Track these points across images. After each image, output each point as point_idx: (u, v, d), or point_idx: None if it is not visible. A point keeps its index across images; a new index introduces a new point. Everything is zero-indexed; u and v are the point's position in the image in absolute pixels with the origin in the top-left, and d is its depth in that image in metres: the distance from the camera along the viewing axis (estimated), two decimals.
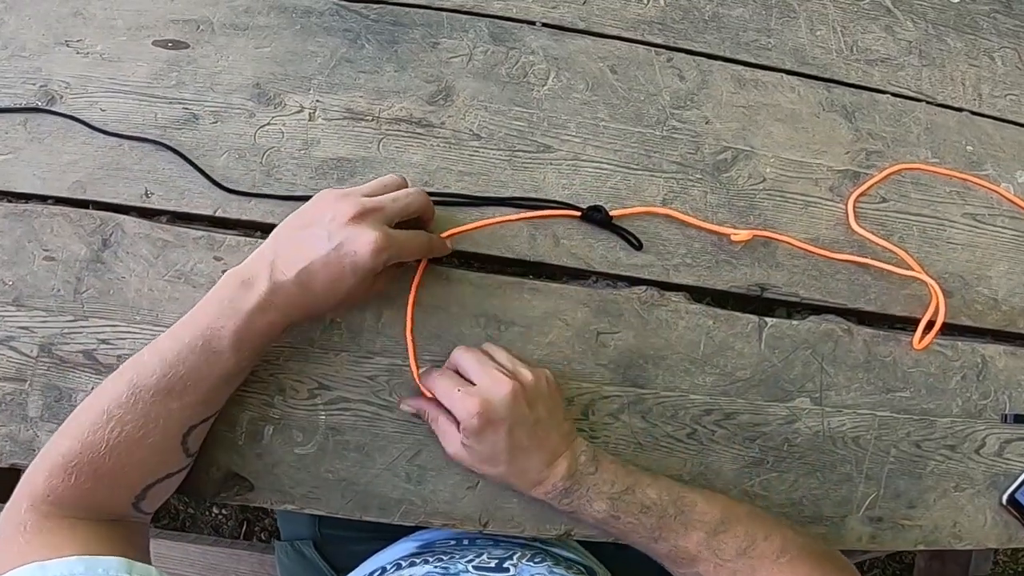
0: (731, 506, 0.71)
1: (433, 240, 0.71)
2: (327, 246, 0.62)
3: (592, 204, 0.79)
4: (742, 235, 0.79)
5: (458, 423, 0.68)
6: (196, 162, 0.76)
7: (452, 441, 0.70)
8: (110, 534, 0.61)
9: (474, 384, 0.68)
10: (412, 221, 0.71)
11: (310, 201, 0.67)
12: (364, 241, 0.62)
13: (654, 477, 0.71)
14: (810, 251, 0.82)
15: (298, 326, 0.68)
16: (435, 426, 0.71)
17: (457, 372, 0.71)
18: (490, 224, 0.77)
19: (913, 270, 0.81)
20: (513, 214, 0.78)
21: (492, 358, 0.71)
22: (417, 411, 0.72)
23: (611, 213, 0.79)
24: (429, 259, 0.75)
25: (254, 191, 0.76)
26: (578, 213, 0.79)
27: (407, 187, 0.71)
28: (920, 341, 0.80)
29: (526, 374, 0.69)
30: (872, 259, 0.82)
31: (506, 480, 0.70)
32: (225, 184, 0.75)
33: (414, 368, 0.73)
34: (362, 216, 0.63)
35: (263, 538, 1.57)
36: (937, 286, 0.80)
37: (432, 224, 0.75)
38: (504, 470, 0.69)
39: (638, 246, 0.79)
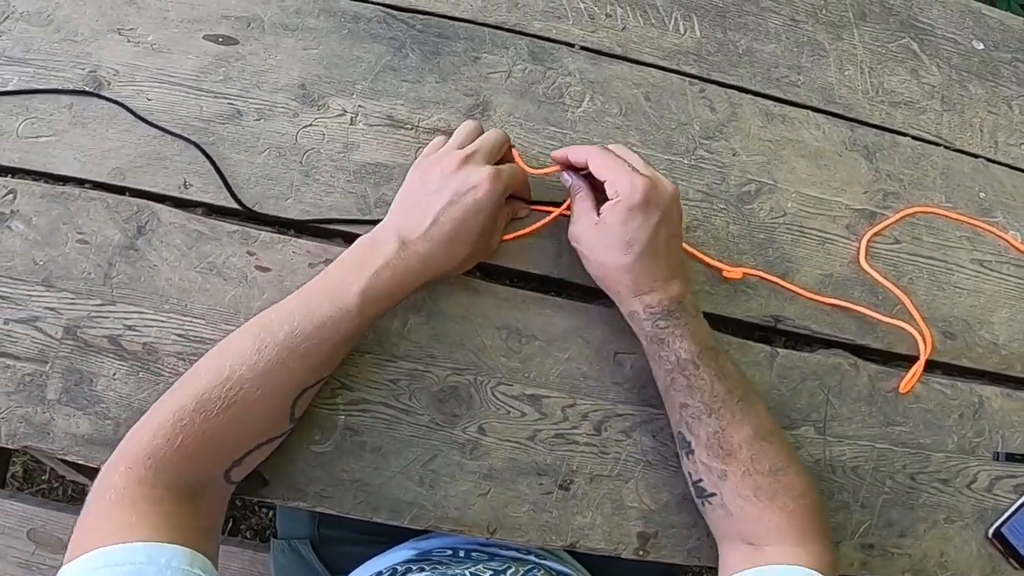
0: (780, 427, 0.63)
1: (525, 170, 0.66)
2: (447, 196, 0.58)
3: None
4: (734, 272, 0.70)
5: (598, 203, 0.61)
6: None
7: (585, 221, 0.61)
8: (188, 518, 0.52)
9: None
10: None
11: (409, 174, 0.63)
12: (478, 177, 0.59)
13: (735, 362, 0.63)
14: (795, 292, 0.72)
15: (432, 283, 0.61)
16: (577, 201, 0.63)
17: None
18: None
19: (907, 314, 0.73)
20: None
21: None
22: (569, 179, 0.65)
23: None
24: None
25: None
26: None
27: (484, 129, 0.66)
28: (905, 385, 0.72)
29: (669, 182, 0.61)
30: (859, 304, 0.73)
31: (617, 276, 0.61)
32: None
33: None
34: (466, 161, 0.60)
35: (248, 536, 1.43)
36: (917, 334, 0.72)
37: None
38: (631, 261, 0.59)
39: None
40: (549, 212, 0.68)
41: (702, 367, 0.59)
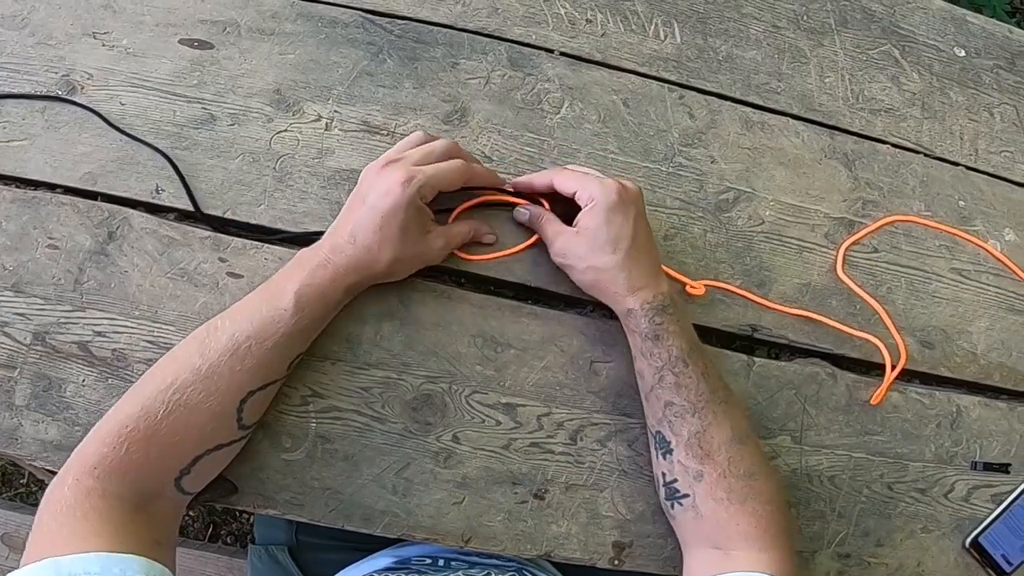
0: (752, 432, 0.64)
1: (473, 166, 0.65)
2: (366, 202, 0.60)
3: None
4: (698, 288, 0.70)
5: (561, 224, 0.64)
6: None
7: (564, 236, 0.63)
8: (140, 527, 0.52)
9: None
10: None
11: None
12: (391, 180, 0.59)
13: (711, 363, 0.64)
14: (760, 303, 0.72)
15: (361, 287, 0.62)
16: (541, 222, 0.66)
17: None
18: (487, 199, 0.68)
19: (881, 326, 0.72)
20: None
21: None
22: (524, 213, 0.67)
23: None
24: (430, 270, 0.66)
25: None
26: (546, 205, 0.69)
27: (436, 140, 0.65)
28: (876, 397, 0.72)
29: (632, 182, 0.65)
30: (829, 316, 0.72)
31: (612, 276, 0.62)
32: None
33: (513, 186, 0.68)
34: (387, 165, 0.61)
35: (229, 541, 1.42)
36: (883, 347, 0.72)
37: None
38: (622, 257, 0.61)
39: None
40: (541, 203, 0.68)
41: (691, 364, 0.61)
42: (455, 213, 0.67)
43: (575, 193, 0.62)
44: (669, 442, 0.62)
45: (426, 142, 0.64)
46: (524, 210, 0.67)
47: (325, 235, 0.61)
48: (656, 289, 0.62)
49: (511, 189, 0.68)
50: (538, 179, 0.66)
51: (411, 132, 0.69)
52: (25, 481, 1.46)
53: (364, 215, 0.59)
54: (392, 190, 0.58)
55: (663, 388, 0.61)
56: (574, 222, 0.63)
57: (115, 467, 0.51)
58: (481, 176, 0.66)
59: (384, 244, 0.59)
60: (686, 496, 0.61)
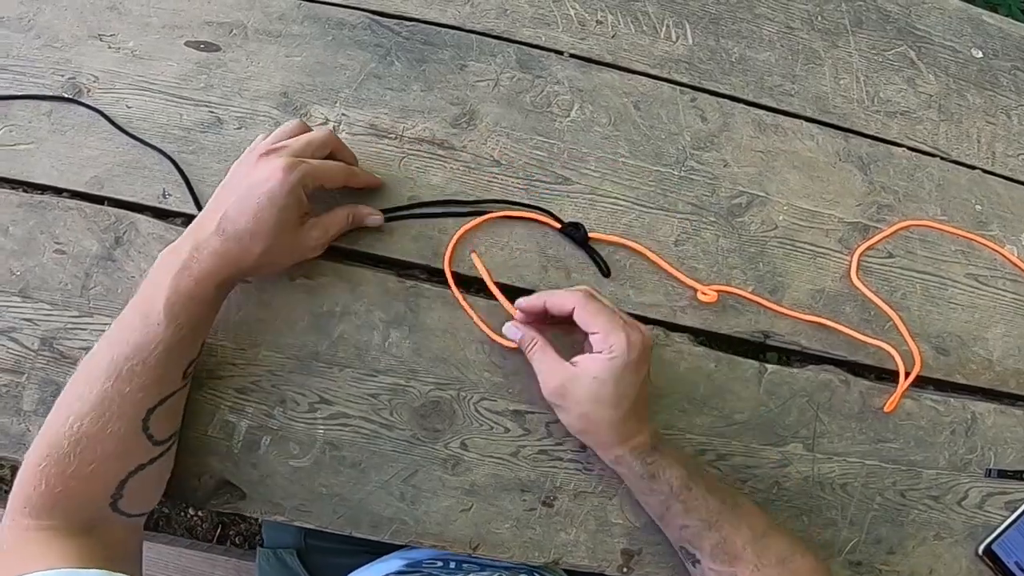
0: (772, 519, 0.62)
1: (353, 169, 0.62)
2: (239, 191, 0.56)
3: (573, 220, 0.68)
4: (710, 295, 0.68)
5: (559, 357, 0.59)
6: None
7: (563, 374, 0.58)
8: (93, 545, 0.51)
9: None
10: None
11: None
12: (272, 167, 0.56)
13: (708, 472, 0.63)
14: (772, 309, 0.70)
15: (233, 282, 0.58)
16: (534, 351, 0.61)
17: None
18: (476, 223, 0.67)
19: (896, 332, 0.71)
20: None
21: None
22: (515, 332, 0.62)
23: (589, 235, 0.68)
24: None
25: None
26: (559, 225, 0.68)
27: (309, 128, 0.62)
28: (889, 404, 0.71)
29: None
30: (841, 323, 0.71)
31: (603, 429, 0.59)
32: None
33: (506, 304, 0.64)
34: (267, 154, 0.57)
35: (237, 543, 1.41)
36: (897, 354, 0.71)
37: (355, 165, 0.65)
38: (619, 416, 0.58)
39: (606, 272, 0.68)
40: (535, 219, 0.67)
41: (695, 488, 0.59)
42: (469, 226, 0.66)
43: (595, 333, 0.57)
44: (694, 554, 0.61)
45: (303, 132, 0.61)
46: (516, 329, 0.62)
47: (187, 231, 0.57)
48: (646, 434, 0.60)
49: (526, 309, 0.62)
50: (554, 302, 0.59)
51: (419, 135, 0.69)
52: None
53: (238, 203, 0.55)
54: (274, 175, 0.55)
55: (673, 515, 0.60)
56: (574, 359, 0.59)
57: (43, 504, 0.51)
58: (364, 180, 0.64)
59: (257, 234, 0.55)
60: None
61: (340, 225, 0.63)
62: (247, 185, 0.56)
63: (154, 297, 0.53)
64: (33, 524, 0.51)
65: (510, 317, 0.64)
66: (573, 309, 0.58)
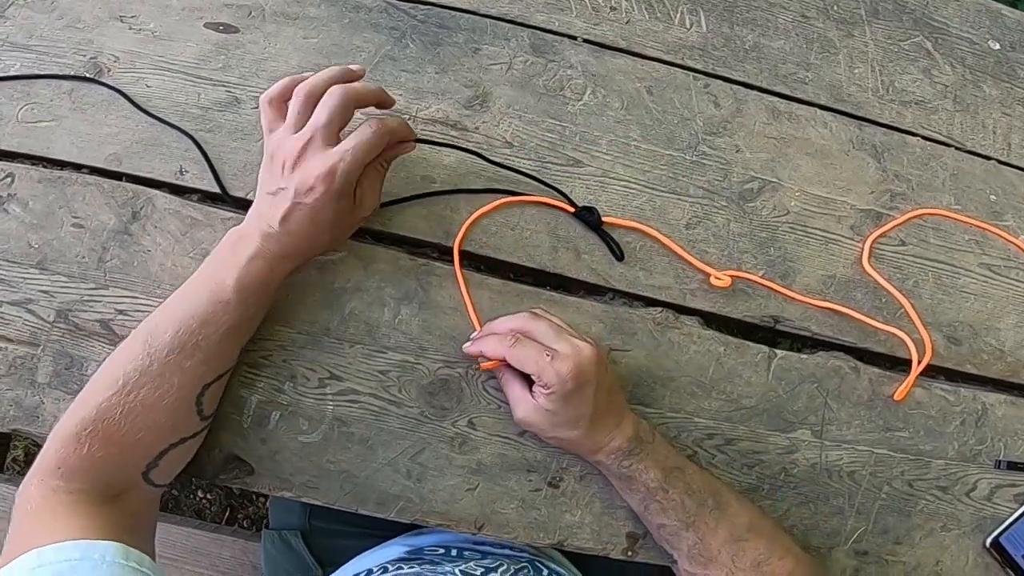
0: (758, 516, 0.63)
1: (385, 125, 0.58)
2: (290, 197, 0.55)
3: (586, 204, 0.68)
4: (723, 280, 0.68)
5: (530, 387, 0.60)
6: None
7: (525, 406, 0.60)
8: (111, 516, 0.52)
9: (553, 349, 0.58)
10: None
11: (265, 158, 0.58)
12: (312, 174, 0.54)
13: (698, 466, 0.64)
14: (783, 294, 0.70)
15: (301, 268, 0.60)
16: (507, 388, 0.62)
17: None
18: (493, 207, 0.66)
19: (907, 320, 0.70)
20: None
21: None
22: (490, 369, 0.63)
23: (603, 219, 0.68)
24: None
25: None
26: (571, 209, 0.68)
27: (321, 82, 0.57)
28: (900, 392, 0.70)
29: (585, 343, 0.59)
30: (854, 309, 0.70)
31: (576, 443, 0.61)
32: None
33: (478, 325, 0.64)
34: (302, 153, 0.55)
35: (245, 526, 1.41)
36: (910, 341, 0.70)
37: (386, 104, 0.61)
38: (580, 433, 0.60)
39: (619, 256, 0.68)
40: (544, 201, 0.67)
41: (671, 490, 0.61)
42: (482, 211, 0.66)
43: (525, 371, 0.59)
44: (671, 555, 0.63)
45: (313, 98, 0.57)
46: (483, 365, 0.62)
47: (252, 217, 0.58)
48: (621, 438, 0.61)
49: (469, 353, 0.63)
50: (489, 349, 0.60)
51: (432, 116, 0.69)
52: None
53: (294, 210, 0.55)
54: (316, 187, 0.54)
55: (651, 514, 0.62)
56: (532, 390, 0.60)
57: (77, 466, 0.52)
58: (397, 130, 0.59)
59: (321, 230, 0.57)
60: None
61: (381, 178, 0.62)
62: (295, 190, 0.55)
63: (225, 277, 0.54)
64: (63, 487, 0.51)
65: (523, 294, 0.64)
66: (505, 358, 0.59)
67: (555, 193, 0.68)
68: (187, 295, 0.55)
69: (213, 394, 0.57)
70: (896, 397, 0.70)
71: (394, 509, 0.63)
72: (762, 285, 0.70)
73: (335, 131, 0.56)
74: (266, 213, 0.56)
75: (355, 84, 0.58)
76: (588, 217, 0.68)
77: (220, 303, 0.54)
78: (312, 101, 0.56)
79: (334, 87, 0.56)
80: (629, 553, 0.65)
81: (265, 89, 0.61)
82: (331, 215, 0.56)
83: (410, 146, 0.62)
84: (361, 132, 0.56)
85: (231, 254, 0.56)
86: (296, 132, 0.56)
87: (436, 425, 0.64)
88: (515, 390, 0.61)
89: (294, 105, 0.57)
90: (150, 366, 0.52)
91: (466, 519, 0.63)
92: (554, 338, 0.59)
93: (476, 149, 0.67)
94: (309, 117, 0.56)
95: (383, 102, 0.61)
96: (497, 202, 0.67)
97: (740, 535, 0.61)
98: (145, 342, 0.53)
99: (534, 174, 0.68)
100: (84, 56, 0.68)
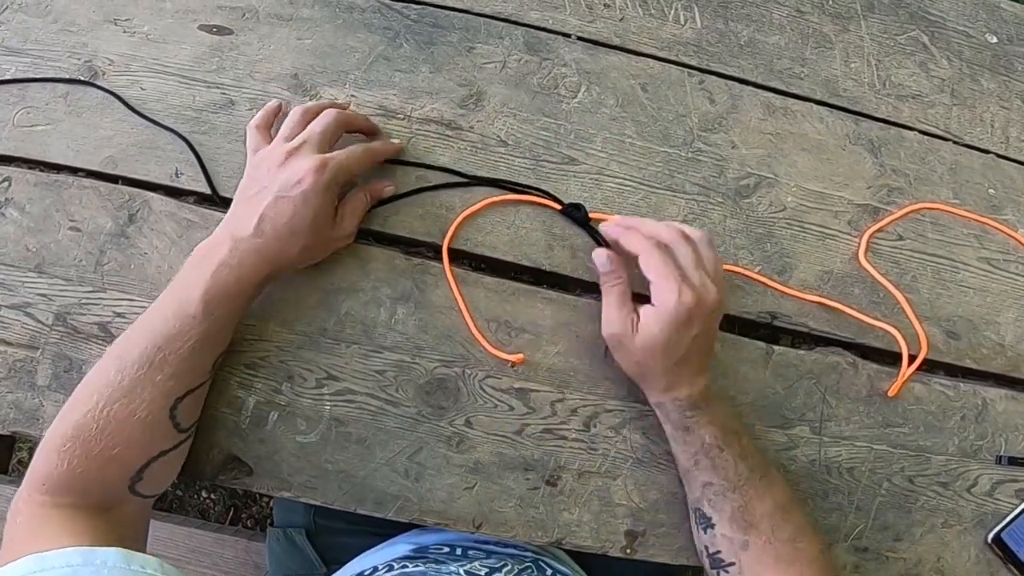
0: (797, 499, 0.63)
1: (373, 146, 0.62)
2: (273, 192, 0.56)
3: (574, 202, 0.68)
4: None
5: (630, 303, 0.59)
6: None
7: (620, 314, 0.59)
8: (107, 524, 0.52)
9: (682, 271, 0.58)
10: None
11: (246, 172, 0.60)
12: (301, 169, 0.57)
13: (753, 438, 0.64)
14: (780, 290, 0.70)
15: (271, 279, 0.59)
16: (610, 291, 0.60)
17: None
18: (482, 207, 0.66)
19: (904, 316, 0.70)
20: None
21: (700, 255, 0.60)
22: (604, 264, 0.61)
23: (590, 215, 0.68)
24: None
25: None
26: (559, 206, 0.68)
27: (316, 105, 0.64)
28: (894, 389, 0.70)
29: (716, 289, 0.58)
30: (847, 304, 0.70)
31: (653, 375, 0.60)
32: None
33: (472, 324, 0.64)
34: (291, 154, 0.58)
35: (248, 526, 1.41)
36: (901, 337, 0.70)
37: (376, 136, 0.67)
38: (669, 365, 0.59)
39: None
40: (536, 201, 0.67)
41: (726, 450, 0.60)
42: (470, 211, 0.66)
43: (651, 282, 0.58)
44: (710, 517, 0.61)
45: (309, 115, 0.62)
46: (607, 261, 0.61)
47: (222, 226, 0.58)
48: (692, 388, 0.60)
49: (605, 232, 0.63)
50: (628, 241, 0.60)
51: (427, 116, 0.69)
52: None
53: (274, 206, 0.56)
54: (306, 178, 0.56)
55: (700, 470, 0.61)
56: (638, 308, 0.59)
57: (61, 483, 0.52)
58: (386, 152, 0.65)
59: (295, 235, 0.57)
60: (732, 564, 0.60)
61: (363, 208, 0.64)
62: (279, 186, 0.56)
63: (191, 290, 0.54)
64: (50, 501, 0.52)
65: (519, 292, 0.64)
66: (639, 255, 0.58)
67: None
68: (157, 310, 0.55)
69: (188, 407, 0.56)
70: (890, 393, 0.69)
71: (392, 509, 0.62)
72: (756, 280, 0.69)
73: (327, 141, 0.59)
74: (240, 217, 0.57)
75: (347, 110, 0.63)
76: (575, 214, 0.67)
77: (187, 317, 0.54)
78: (308, 118, 0.61)
79: (329, 108, 0.61)
80: (628, 551, 0.65)
81: (260, 91, 0.62)
82: (310, 215, 0.56)
83: (391, 188, 0.66)
84: (351, 146, 0.60)
85: (198, 267, 0.55)
86: (288, 142, 0.59)
87: (433, 424, 0.63)
88: (618, 303, 0.60)
89: (290, 118, 0.61)
90: (121, 381, 0.52)
91: (464, 518, 0.63)
92: (692, 267, 0.58)
93: (462, 153, 0.67)
94: (302, 131, 0.60)
95: (371, 129, 0.66)
96: (485, 201, 0.67)
97: (783, 507, 0.60)
98: (118, 357, 0.53)
99: (530, 172, 0.68)
100: (79, 59, 0.68)
